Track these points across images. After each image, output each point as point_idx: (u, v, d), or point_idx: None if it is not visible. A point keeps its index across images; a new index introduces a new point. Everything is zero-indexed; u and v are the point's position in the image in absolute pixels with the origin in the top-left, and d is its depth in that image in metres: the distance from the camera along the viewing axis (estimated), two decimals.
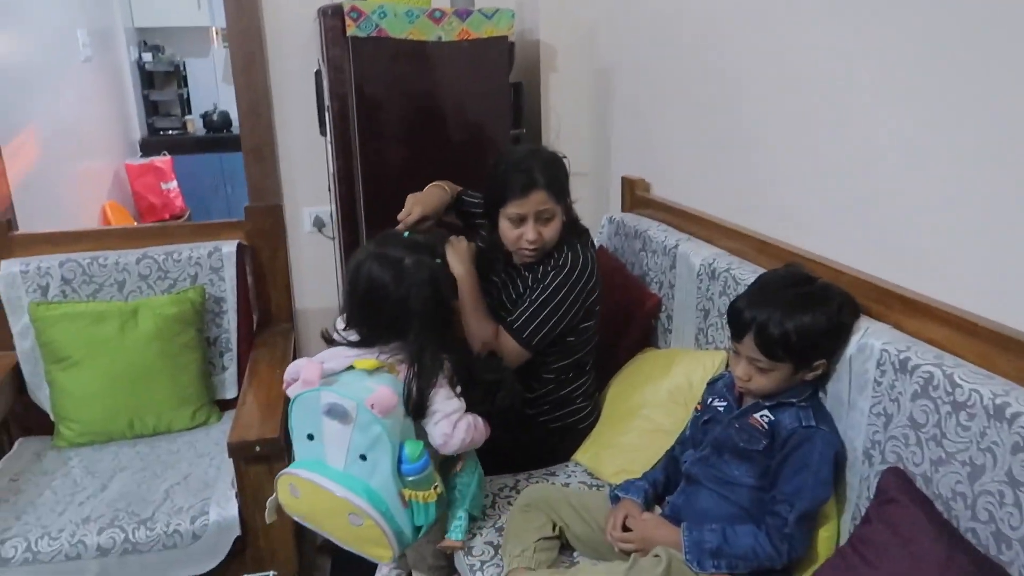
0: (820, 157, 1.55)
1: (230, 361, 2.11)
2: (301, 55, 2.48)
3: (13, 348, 1.98)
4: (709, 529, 1.34)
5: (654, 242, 2.04)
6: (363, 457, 1.32)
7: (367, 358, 1.39)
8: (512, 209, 1.66)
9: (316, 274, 2.87)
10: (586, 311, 1.75)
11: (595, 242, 1.87)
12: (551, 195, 1.66)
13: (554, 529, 1.47)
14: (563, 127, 2.75)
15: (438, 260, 1.48)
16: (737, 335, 1.35)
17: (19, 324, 1.96)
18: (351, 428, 1.31)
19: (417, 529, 1.38)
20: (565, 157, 1.74)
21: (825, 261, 1.52)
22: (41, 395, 1.99)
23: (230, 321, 2.10)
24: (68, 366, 1.91)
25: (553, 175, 1.67)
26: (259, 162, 2.85)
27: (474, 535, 1.54)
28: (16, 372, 1.98)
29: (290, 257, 2.92)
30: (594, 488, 1.71)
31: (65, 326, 1.91)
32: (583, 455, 1.81)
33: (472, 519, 1.57)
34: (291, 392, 1.38)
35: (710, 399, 1.51)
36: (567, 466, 1.82)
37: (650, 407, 1.77)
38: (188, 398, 2.00)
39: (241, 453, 1.58)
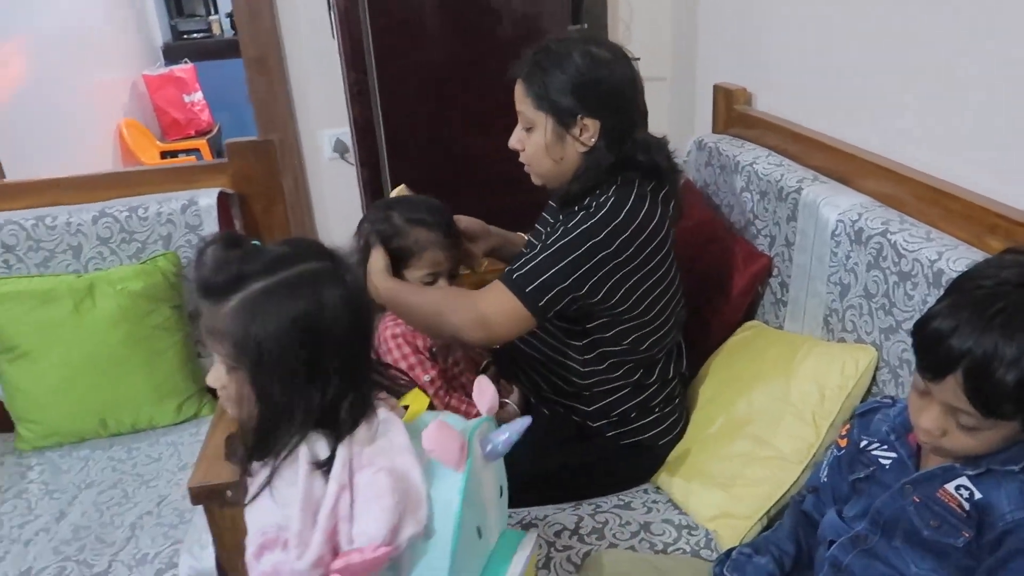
0: None
1: None
2: None
3: None
4: None
5: (763, 180, 1.50)
6: None
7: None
8: None
9: (344, 209, 2.43)
10: (609, 285, 1.21)
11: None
12: (530, 94, 1.23)
13: None
14: (636, 18, 2.17)
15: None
16: (934, 372, 0.84)
17: None
18: None
19: None
20: (621, 59, 1.24)
21: None
22: None
23: None
24: (16, 357, 1.53)
25: (541, 67, 1.21)
26: (263, 75, 2.37)
27: None
28: None
29: (310, 191, 2.50)
30: (685, 535, 1.26)
31: (8, 308, 1.52)
32: (667, 478, 1.36)
33: None
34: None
35: (865, 441, 1.02)
36: (645, 492, 1.37)
37: (762, 421, 1.29)
38: (170, 389, 1.61)
39: (207, 500, 1.18)
